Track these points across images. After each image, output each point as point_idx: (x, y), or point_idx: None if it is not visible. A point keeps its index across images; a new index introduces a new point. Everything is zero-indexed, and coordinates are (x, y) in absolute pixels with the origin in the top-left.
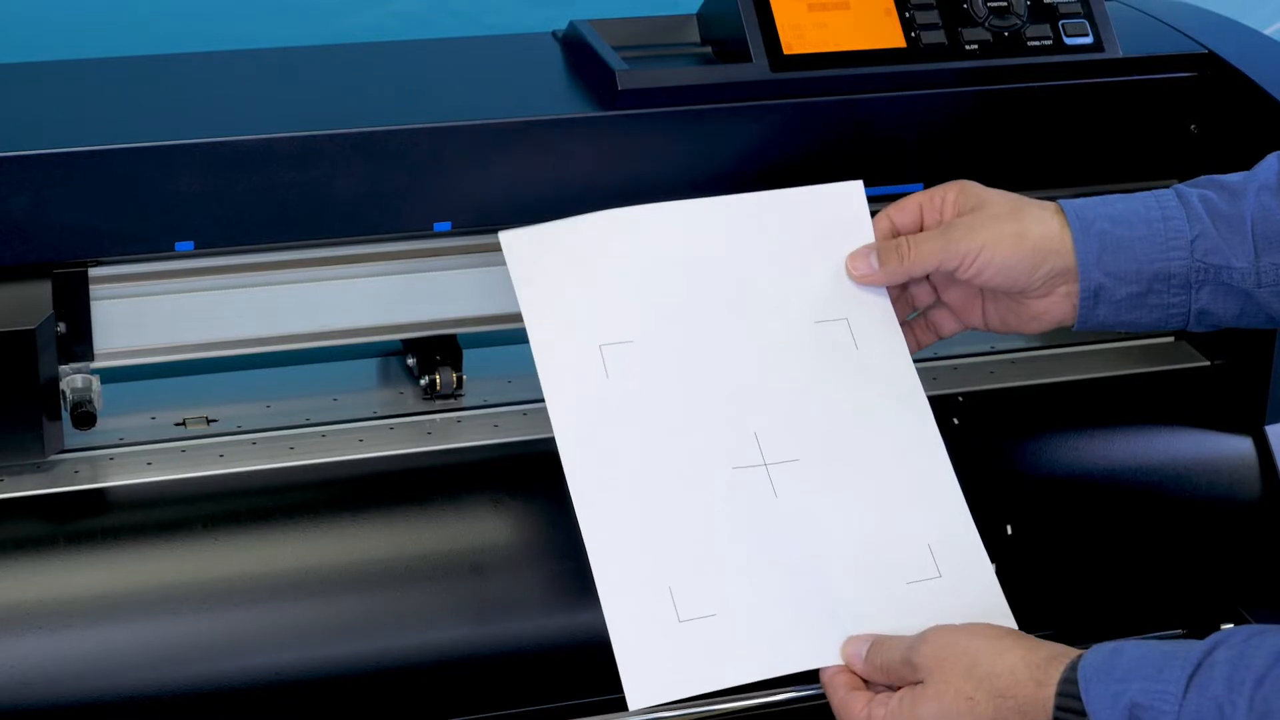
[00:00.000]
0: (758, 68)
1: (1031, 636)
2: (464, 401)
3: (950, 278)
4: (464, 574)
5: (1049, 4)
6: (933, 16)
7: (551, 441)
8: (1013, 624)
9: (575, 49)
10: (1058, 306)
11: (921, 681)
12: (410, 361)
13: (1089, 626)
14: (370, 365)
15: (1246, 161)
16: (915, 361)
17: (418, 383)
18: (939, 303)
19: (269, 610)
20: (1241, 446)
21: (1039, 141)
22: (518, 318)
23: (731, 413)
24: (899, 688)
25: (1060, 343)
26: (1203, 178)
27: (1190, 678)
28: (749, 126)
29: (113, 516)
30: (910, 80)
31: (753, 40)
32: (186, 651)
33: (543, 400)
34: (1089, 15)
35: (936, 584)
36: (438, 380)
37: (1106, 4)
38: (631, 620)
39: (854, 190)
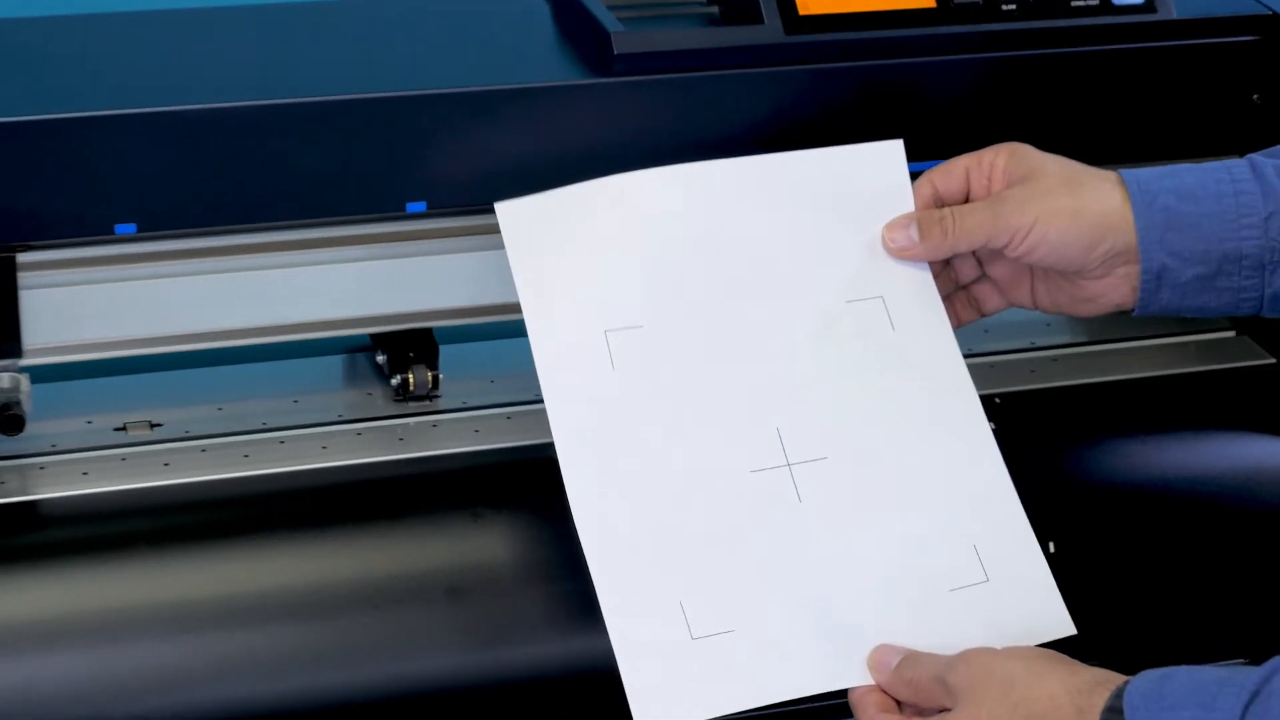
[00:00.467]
0: (770, 30)
1: (1074, 661)
2: (440, 404)
3: (998, 253)
4: (440, 597)
5: None
6: None
7: (538, 449)
8: (1071, 630)
9: (566, 8)
10: (1116, 289)
11: (954, 705)
12: (380, 359)
13: (1140, 654)
14: (335, 363)
15: None
16: None
17: (388, 382)
18: (983, 276)
19: (219, 639)
20: None
21: (1083, 114)
22: (500, 309)
23: (750, 407)
24: (927, 710)
25: (1108, 338)
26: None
27: (1246, 706)
28: (759, 96)
29: (43, 533)
30: (940, 44)
31: None
32: (126, 685)
33: (529, 403)
34: None
35: (983, 589)
36: (411, 380)
37: None
38: (639, 639)
39: (893, 151)
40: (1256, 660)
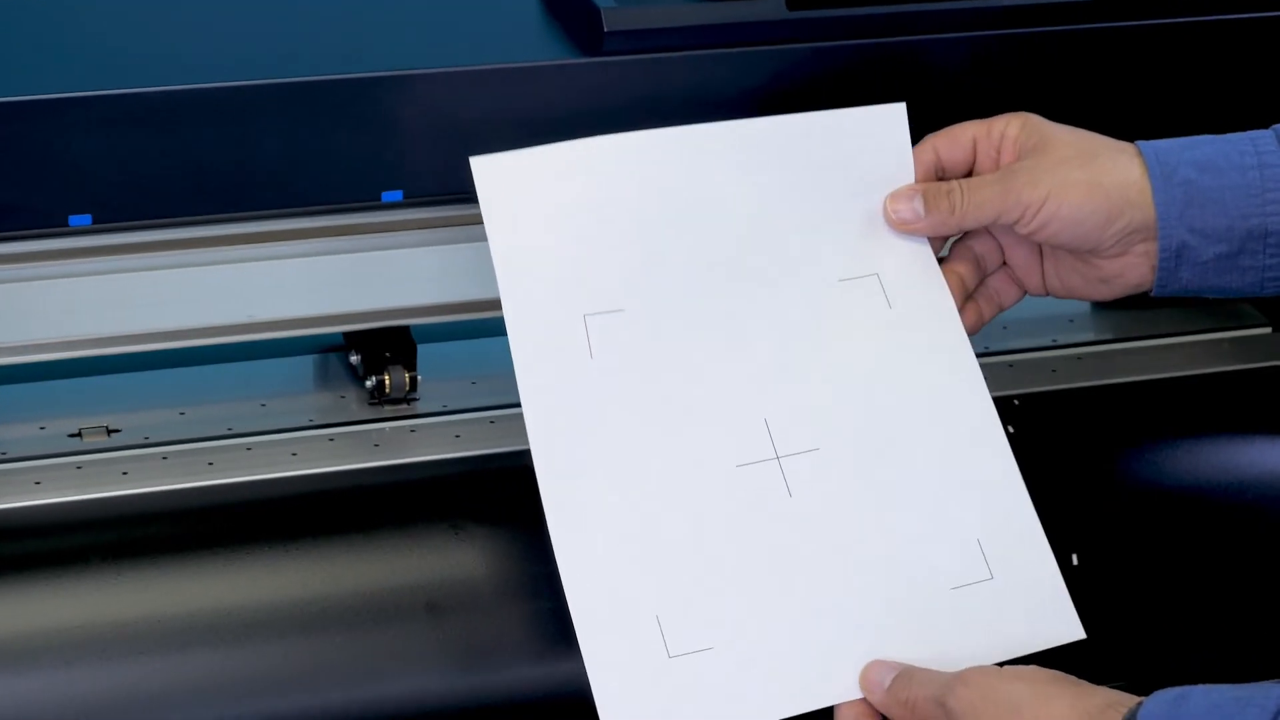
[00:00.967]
0: (770, 5)
1: (1084, 682)
2: (418, 407)
3: (1007, 231)
4: (418, 615)
5: None
6: None
7: (523, 456)
8: (1081, 634)
9: None
10: (1133, 268)
11: None
12: (354, 359)
13: (1169, 675)
14: (305, 363)
15: None
16: None
17: (363, 385)
18: (1003, 264)
19: (181, 661)
20: None
21: (1115, 96)
22: (482, 306)
23: (736, 397)
24: None
25: (1135, 335)
26: None
27: None
28: (759, 76)
29: None
30: (956, 20)
31: None
32: (81, 710)
33: (513, 406)
34: None
35: (987, 588)
36: (387, 381)
37: None
38: (612, 657)
39: (895, 115)
40: None
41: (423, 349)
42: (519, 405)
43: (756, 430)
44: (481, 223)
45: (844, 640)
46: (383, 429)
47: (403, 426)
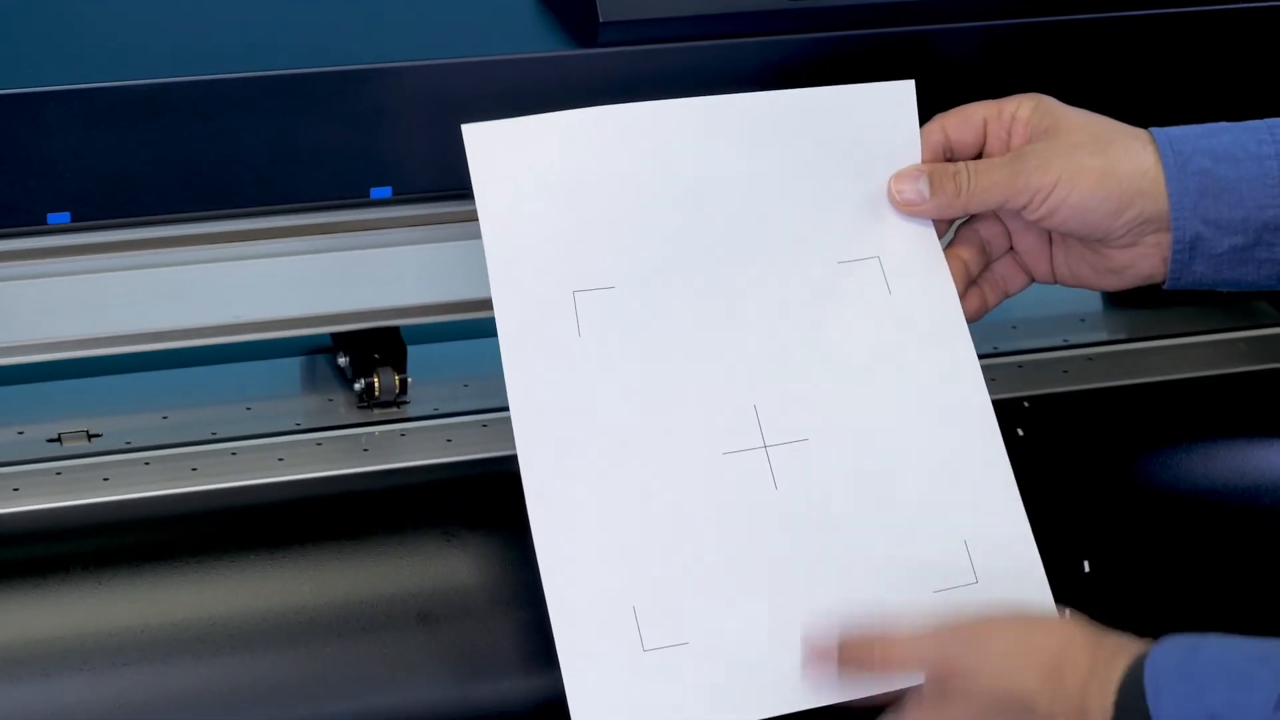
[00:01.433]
0: None
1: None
2: (409, 411)
3: (1015, 216)
4: (410, 624)
5: None
6: None
7: (517, 460)
8: None
9: None
10: (1144, 260)
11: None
12: (342, 361)
13: None
14: (293, 365)
15: None
16: None
17: (351, 387)
18: (1009, 250)
19: (165, 672)
20: None
21: (1134, 88)
22: (474, 306)
23: (727, 382)
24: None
25: (1149, 334)
26: None
27: None
28: (761, 68)
29: None
30: (968, 9)
31: None
32: None
33: (505, 409)
34: None
35: (971, 592)
36: (376, 384)
37: None
38: (586, 649)
39: (903, 92)
40: None
41: (413, 350)
42: None
43: (745, 417)
44: (476, 220)
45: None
46: (372, 433)
47: (393, 430)
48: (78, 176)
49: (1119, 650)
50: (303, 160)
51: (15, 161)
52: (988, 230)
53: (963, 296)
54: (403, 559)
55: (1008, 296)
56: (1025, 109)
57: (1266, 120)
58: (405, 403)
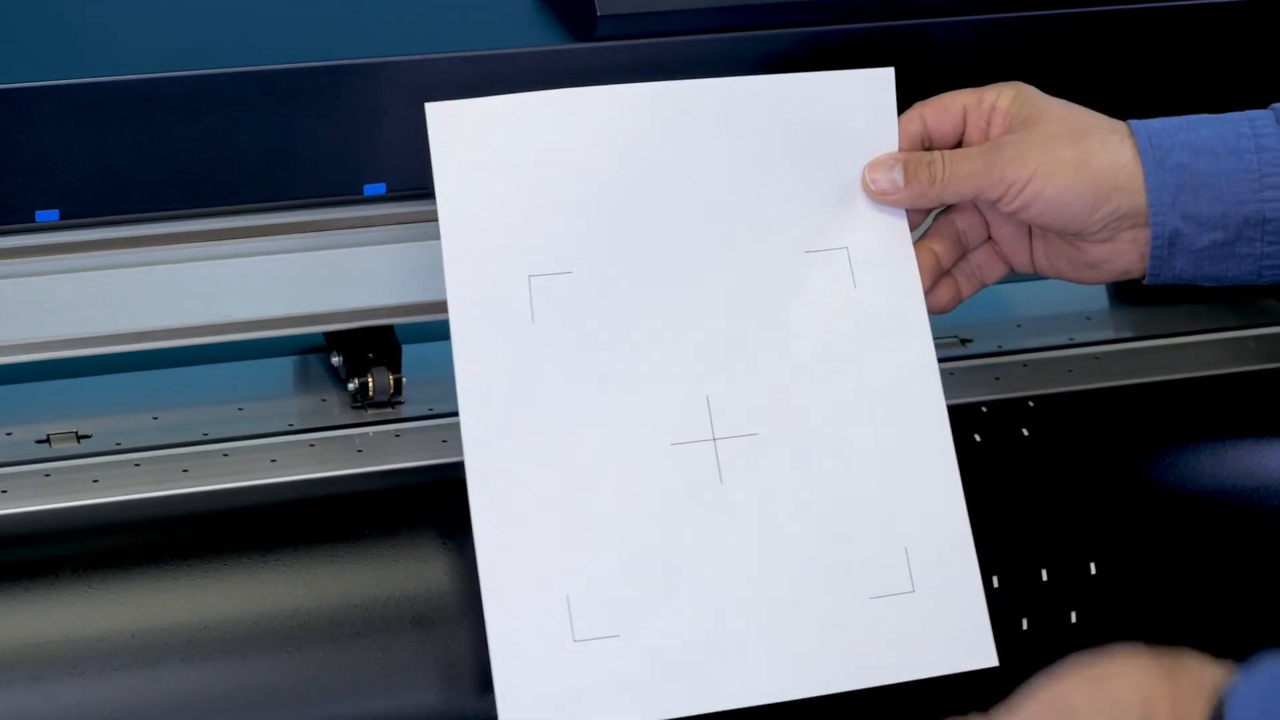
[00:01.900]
0: None
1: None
2: (403, 411)
3: (991, 207)
4: (404, 628)
5: None
6: None
7: None
8: (993, 661)
9: None
10: (1122, 255)
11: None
12: (335, 360)
13: None
14: (285, 365)
15: None
16: (966, 356)
17: (345, 387)
18: (987, 239)
19: (156, 676)
20: None
21: (1132, 83)
22: None
23: (681, 372)
24: None
25: (1155, 333)
26: None
27: None
28: (758, 62)
29: None
30: (954, 3)
31: None
32: None
33: None
34: None
35: (906, 601)
36: (370, 384)
37: None
38: (516, 638)
39: (882, 80)
40: None
41: (407, 350)
42: None
43: (697, 408)
44: None
45: (753, 640)
46: (366, 433)
47: (387, 431)
48: (66, 173)
49: (1195, 688)
50: (295, 157)
51: (2, 158)
52: (964, 221)
53: (931, 289)
54: (398, 562)
55: (985, 286)
56: (1005, 98)
57: (1246, 112)
58: (400, 403)
